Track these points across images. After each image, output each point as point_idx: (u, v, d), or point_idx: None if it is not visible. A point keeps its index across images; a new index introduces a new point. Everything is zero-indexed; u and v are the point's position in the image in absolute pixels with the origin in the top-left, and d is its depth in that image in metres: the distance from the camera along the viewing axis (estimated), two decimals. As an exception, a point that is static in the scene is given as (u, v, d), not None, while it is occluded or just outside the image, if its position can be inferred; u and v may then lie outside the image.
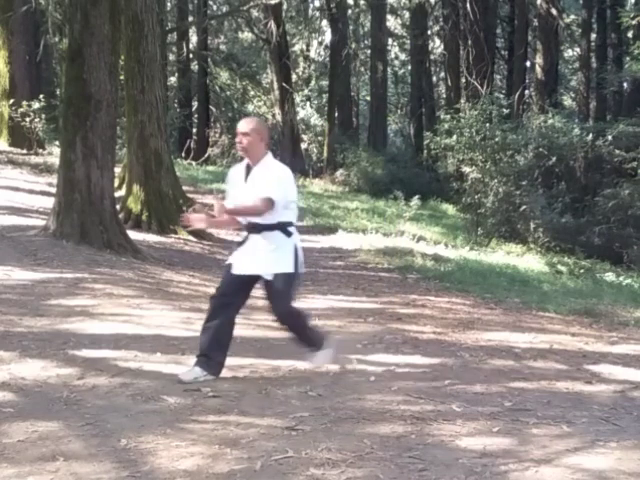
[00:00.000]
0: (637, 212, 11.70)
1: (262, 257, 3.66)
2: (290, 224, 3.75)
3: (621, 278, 9.43)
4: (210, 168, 17.23)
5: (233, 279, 3.70)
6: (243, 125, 3.71)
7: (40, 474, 2.61)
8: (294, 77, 23.59)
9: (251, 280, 3.72)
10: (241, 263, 3.69)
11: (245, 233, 3.75)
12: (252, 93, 24.45)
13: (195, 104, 24.08)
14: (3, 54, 13.62)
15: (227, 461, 2.74)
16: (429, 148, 16.16)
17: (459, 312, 6.26)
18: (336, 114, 21.77)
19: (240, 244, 3.75)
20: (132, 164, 9.95)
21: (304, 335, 3.86)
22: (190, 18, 23.13)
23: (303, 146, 21.41)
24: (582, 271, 9.94)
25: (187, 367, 3.88)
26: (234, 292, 3.70)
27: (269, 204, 3.60)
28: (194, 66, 23.88)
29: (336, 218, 12.72)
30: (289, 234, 3.73)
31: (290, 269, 3.70)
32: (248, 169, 3.73)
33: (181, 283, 6.78)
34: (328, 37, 23.59)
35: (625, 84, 19.45)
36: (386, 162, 18.44)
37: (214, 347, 3.69)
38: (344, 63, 21.18)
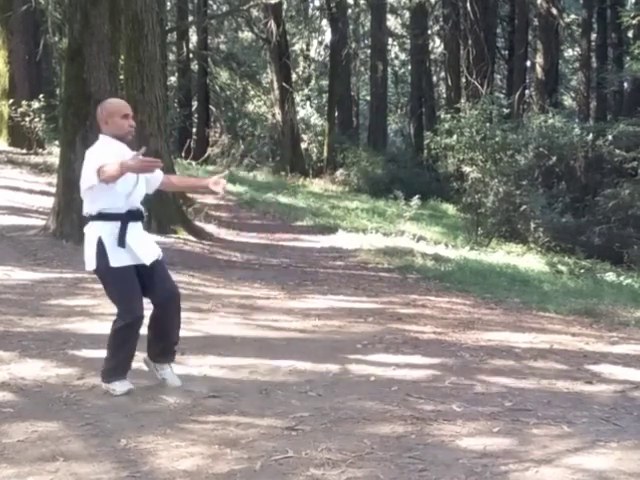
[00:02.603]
0: (637, 212, 11.69)
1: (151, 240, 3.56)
2: None
3: (621, 278, 9.42)
4: (210, 168, 17.22)
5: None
6: (128, 106, 3.51)
7: (40, 474, 2.61)
8: (294, 77, 23.59)
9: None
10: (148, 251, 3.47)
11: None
12: (252, 93, 24.45)
13: (195, 104, 24.08)
14: (3, 54, 13.62)
15: (227, 461, 2.74)
16: (429, 148, 16.14)
17: (459, 312, 6.26)
18: (336, 114, 21.77)
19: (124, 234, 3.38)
20: (132, 164, 9.93)
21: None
22: (190, 18, 23.13)
23: (303, 146, 21.39)
24: (582, 271, 9.93)
25: (186, 367, 3.88)
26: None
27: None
28: (194, 66, 23.88)
29: (336, 218, 12.71)
30: None
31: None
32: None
33: (181, 283, 6.75)
34: (328, 37, 23.59)
35: (625, 84, 19.45)
36: (386, 162, 18.43)
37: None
38: (344, 63, 21.18)
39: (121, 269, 3.34)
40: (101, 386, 3.53)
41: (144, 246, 3.44)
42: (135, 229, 3.41)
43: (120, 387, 3.45)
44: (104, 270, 3.36)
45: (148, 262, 3.40)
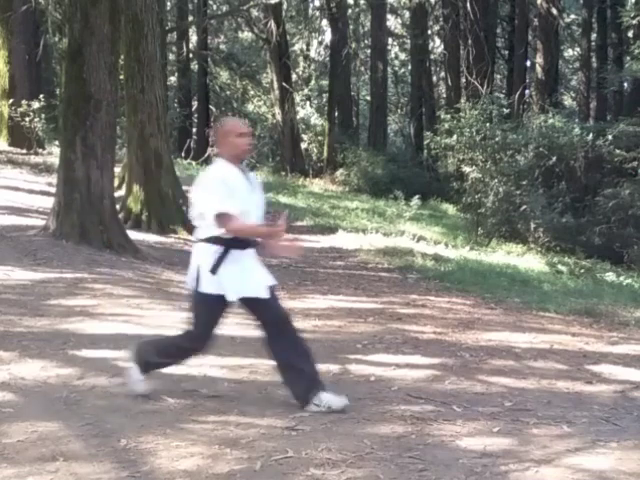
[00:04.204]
0: (637, 212, 11.68)
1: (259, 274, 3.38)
2: None
3: (621, 278, 9.42)
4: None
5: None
6: (246, 124, 3.45)
7: (40, 474, 2.61)
8: (294, 77, 23.58)
9: None
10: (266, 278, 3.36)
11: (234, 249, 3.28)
12: (252, 93, 24.45)
13: (195, 104, 24.08)
14: (3, 54, 13.62)
15: (227, 461, 2.74)
16: (429, 148, 16.14)
17: (459, 312, 6.26)
18: (336, 114, 21.76)
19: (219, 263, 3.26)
20: (132, 164, 9.94)
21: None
22: (190, 18, 23.13)
23: (303, 146, 21.39)
24: (582, 271, 9.93)
25: (186, 367, 3.88)
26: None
27: None
28: (194, 66, 23.88)
29: (336, 218, 12.71)
30: None
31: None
32: (244, 173, 3.38)
33: (181, 283, 6.76)
34: (328, 37, 23.58)
35: (625, 84, 19.43)
36: (386, 162, 18.42)
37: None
38: (344, 63, 21.15)
39: (208, 296, 3.24)
40: (101, 386, 3.53)
41: (237, 280, 3.25)
42: (238, 259, 3.26)
43: (140, 387, 3.45)
44: (195, 292, 3.28)
45: (230, 298, 3.25)
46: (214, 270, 3.22)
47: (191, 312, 3.37)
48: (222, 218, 3.20)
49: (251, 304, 3.33)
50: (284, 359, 3.34)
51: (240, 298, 3.29)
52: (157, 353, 3.43)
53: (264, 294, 3.31)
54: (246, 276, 3.29)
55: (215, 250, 3.25)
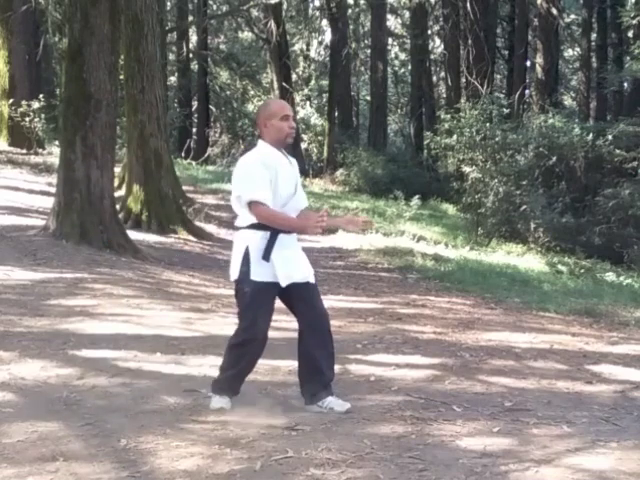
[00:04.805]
0: (637, 212, 11.68)
1: (302, 261, 3.29)
2: None
3: (621, 278, 9.42)
4: (210, 168, 17.23)
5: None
6: (288, 107, 3.29)
7: (40, 474, 2.60)
8: (294, 77, 23.59)
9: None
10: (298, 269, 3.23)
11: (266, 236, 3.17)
12: (252, 93, 24.44)
13: (195, 104, 24.08)
14: (3, 54, 13.62)
15: (227, 461, 2.74)
16: (429, 148, 16.14)
17: (459, 312, 6.26)
18: (336, 114, 21.76)
19: (269, 250, 3.14)
20: (132, 164, 9.94)
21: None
22: (190, 18, 23.13)
23: (303, 146, 21.40)
24: (582, 271, 9.93)
25: (186, 367, 3.88)
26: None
27: None
28: (194, 66, 23.88)
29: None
30: None
31: None
32: (285, 157, 3.26)
33: (181, 283, 6.78)
34: (328, 37, 23.58)
35: (625, 84, 19.43)
36: (386, 162, 18.42)
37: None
38: (344, 63, 21.15)
39: (259, 284, 3.12)
40: (101, 386, 3.53)
41: (289, 265, 3.17)
42: (286, 243, 3.19)
43: (214, 403, 3.26)
44: (243, 281, 3.14)
45: (284, 284, 3.16)
46: (266, 256, 3.11)
47: (238, 304, 3.22)
48: (254, 206, 3.11)
49: (297, 291, 3.20)
50: (309, 355, 3.27)
51: (289, 284, 3.18)
52: (223, 369, 3.29)
53: (312, 279, 3.24)
54: (295, 261, 3.21)
55: (262, 235, 3.14)
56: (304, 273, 3.24)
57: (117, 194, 9.22)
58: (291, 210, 3.27)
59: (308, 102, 25.24)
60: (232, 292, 3.37)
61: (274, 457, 2.76)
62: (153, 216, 9.64)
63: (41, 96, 13.07)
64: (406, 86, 26.34)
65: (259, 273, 3.13)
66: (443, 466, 2.73)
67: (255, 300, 3.15)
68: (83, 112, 7.49)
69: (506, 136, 12.69)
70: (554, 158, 12.76)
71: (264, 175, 3.13)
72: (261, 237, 3.14)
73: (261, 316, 3.17)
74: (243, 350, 3.22)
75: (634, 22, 14.09)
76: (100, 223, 7.65)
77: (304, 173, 19.18)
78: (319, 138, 21.93)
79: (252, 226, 3.16)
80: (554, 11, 17.99)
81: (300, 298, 3.24)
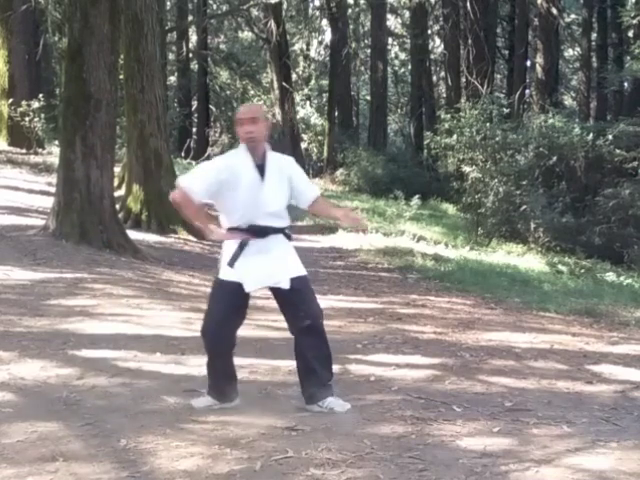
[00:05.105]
0: (638, 212, 11.68)
1: (280, 264, 3.23)
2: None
3: (622, 278, 9.42)
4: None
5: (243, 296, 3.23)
6: (249, 110, 3.28)
7: (39, 474, 2.60)
8: (294, 76, 23.59)
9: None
10: (257, 275, 3.19)
11: (235, 241, 3.19)
12: (252, 92, 24.46)
13: (195, 103, 24.09)
14: (2, 53, 13.62)
15: (227, 461, 2.74)
16: (429, 148, 16.14)
17: (459, 312, 6.26)
18: (336, 113, 21.77)
19: (238, 254, 3.17)
20: (132, 164, 9.94)
21: None
22: (190, 17, 23.13)
23: (303, 145, 21.41)
24: (583, 271, 9.93)
25: (186, 367, 3.87)
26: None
27: None
28: (194, 65, 23.89)
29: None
30: (290, 237, 3.34)
31: (304, 271, 3.31)
32: (258, 164, 3.21)
33: (181, 283, 6.78)
34: (328, 36, 23.59)
35: (626, 83, 19.43)
36: (386, 162, 18.43)
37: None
38: (344, 62, 21.17)
39: (223, 282, 3.18)
40: (101, 386, 3.53)
41: (256, 272, 3.16)
42: (263, 248, 3.18)
43: (197, 402, 3.32)
44: (215, 278, 3.25)
45: (247, 289, 3.17)
46: (231, 263, 3.15)
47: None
48: (176, 189, 3.20)
49: (284, 296, 3.22)
50: (303, 356, 3.27)
51: (262, 288, 3.22)
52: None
53: (287, 284, 3.20)
54: (266, 267, 3.19)
55: (235, 241, 3.20)
56: (275, 278, 3.21)
57: (117, 194, 9.22)
58: (260, 213, 3.21)
59: (308, 102, 25.25)
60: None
61: (274, 457, 2.76)
62: (153, 216, 9.64)
63: (41, 96, 13.08)
64: (406, 86, 26.36)
65: (226, 272, 3.20)
66: (443, 466, 2.73)
67: (215, 296, 3.24)
68: (83, 112, 7.49)
69: (506, 136, 12.69)
70: (554, 158, 12.77)
71: (208, 170, 3.23)
72: (234, 242, 3.21)
73: (216, 317, 3.20)
74: (206, 349, 3.29)
75: (634, 22, 14.10)
76: (100, 223, 7.65)
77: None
78: (319, 138, 21.94)
79: (229, 229, 3.25)
80: (554, 11, 17.99)
81: (289, 303, 3.25)
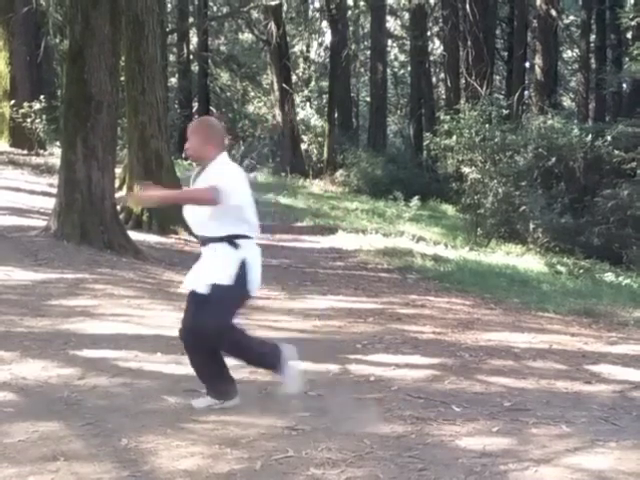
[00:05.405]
0: (636, 212, 11.70)
1: (201, 270, 3.34)
2: (243, 237, 3.24)
3: (620, 278, 9.43)
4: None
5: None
6: (190, 126, 3.44)
7: (41, 474, 2.62)
8: (294, 78, 23.60)
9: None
10: (187, 278, 3.45)
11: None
12: (252, 94, 24.49)
13: (196, 105, 24.10)
14: (4, 55, 13.64)
15: (227, 461, 2.75)
16: (429, 149, 16.16)
17: (459, 312, 6.27)
18: (336, 115, 21.77)
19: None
20: (133, 165, 9.95)
21: (254, 356, 3.41)
22: (190, 19, 23.16)
23: (303, 147, 21.40)
24: (581, 271, 9.94)
25: (186, 367, 3.88)
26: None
27: (214, 193, 3.12)
28: (194, 67, 23.91)
29: (336, 218, 12.73)
30: (236, 246, 3.22)
31: (226, 281, 3.17)
32: (198, 173, 3.47)
33: (181, 283, 6.78)
34: (328, 38, 23.60)
35: (624, 85, 19.46)
36: (386, 163, 18.44)
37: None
38: (344, 64, 21.18)
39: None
40: (102, 386, 3.54)
41: (192, 273, 3.43)
42: (203, 253, 3.44)
43: (197, 402, 3.37)
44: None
45: (182, 287, 3.50)
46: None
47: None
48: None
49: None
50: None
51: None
52: None
53: (202, 289, 3.28)
54: (194, 269, 3.42)
55: None
56: (189, 281, 3.40)
57: (118, 195, 9.23)
58: (194, 225, 3.49)
59: (308, 103, 25.25)
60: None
61: (274, 457, 2.78)
62: (154, 217, 9.65)
63: (42, 97, 13.09)
64: (406, 87, 26.38)
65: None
66: (443, 466, 2.74)
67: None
68: (84, 113, 7.50)
69: (505, 137, 12.70)
70: (553, 159, 12.79)
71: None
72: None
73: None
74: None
75: (633, 23, 14.12)
76: (101, 224, 7.66)
77: (304, 174, 19.23)
78: (319, 139, 21.93)
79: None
80: (553, 12, 18.01)
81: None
